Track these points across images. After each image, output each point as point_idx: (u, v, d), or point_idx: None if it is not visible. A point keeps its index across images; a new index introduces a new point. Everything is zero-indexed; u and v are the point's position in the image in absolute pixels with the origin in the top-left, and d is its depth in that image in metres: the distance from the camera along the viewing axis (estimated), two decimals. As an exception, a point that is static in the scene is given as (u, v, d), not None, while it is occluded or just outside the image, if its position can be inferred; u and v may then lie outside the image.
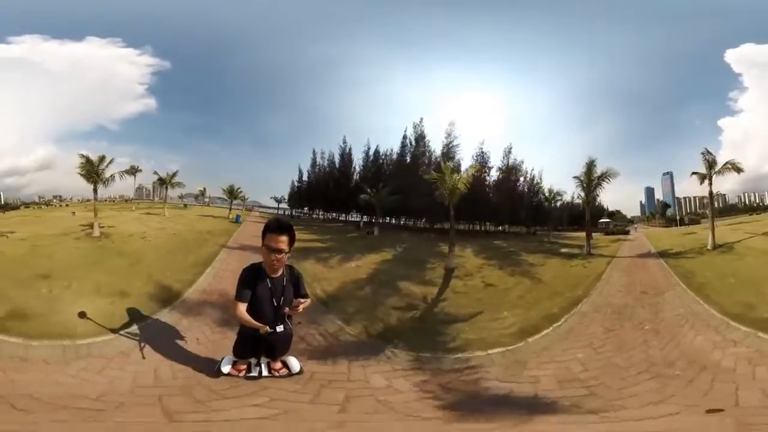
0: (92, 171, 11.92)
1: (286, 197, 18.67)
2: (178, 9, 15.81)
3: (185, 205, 19.52)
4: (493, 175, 17.77)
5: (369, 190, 13.01)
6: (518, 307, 7.67)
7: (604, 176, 14.25)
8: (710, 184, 13.25)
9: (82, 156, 11.98)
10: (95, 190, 12.19)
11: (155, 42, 16.03)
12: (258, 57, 18.59)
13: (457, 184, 11.08)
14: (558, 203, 20.35)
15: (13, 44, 15.17)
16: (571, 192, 20.35)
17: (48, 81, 16.20)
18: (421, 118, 17.06)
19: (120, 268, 8.10)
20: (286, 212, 19.16)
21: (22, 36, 15.22)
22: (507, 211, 17.53)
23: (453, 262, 10.97)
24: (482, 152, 17.10)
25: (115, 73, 16.73)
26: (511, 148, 18.05)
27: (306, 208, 18.73)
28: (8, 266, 7.60)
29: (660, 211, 26.15)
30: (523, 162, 18.31)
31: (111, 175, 12.41)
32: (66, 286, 6.63)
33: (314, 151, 17.20)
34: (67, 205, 19.37)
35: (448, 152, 15.53)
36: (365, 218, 15.65)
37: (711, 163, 13.20)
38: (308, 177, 17.57)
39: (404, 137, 16.02)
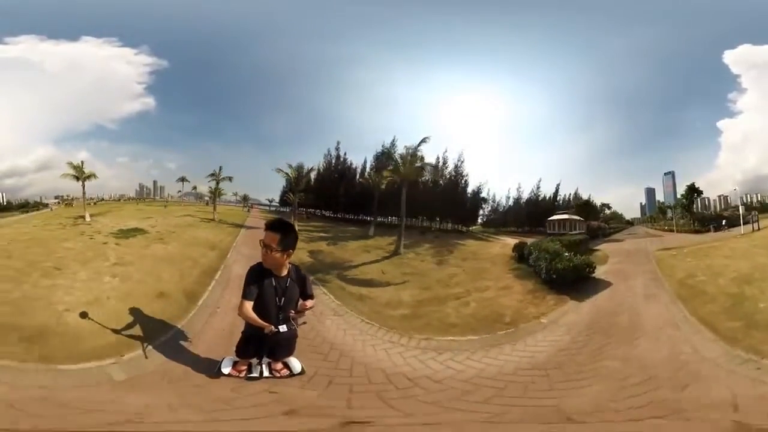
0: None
1: (276, 199, 22.55)
2: (173, 8, 15.53)
3: (206, 203, 21.11)
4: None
5: (292, 194, 17.54)
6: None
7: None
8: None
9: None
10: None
11: (152, 41, 15.80)
12: (258, 56, 18.35)
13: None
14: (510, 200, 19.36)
15: (11, 45, 15.05)
16: (546, 191, 19.31)
17: (46, 81, 15.99)
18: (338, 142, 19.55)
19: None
20: (279, 209, 22.35)
21: (20, 36, 15.10)
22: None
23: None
24: (383, 150, 17.87)
25: (112, 72, 16.46)
26: (395, 140, 16.91)
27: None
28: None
29: (685, 205, 16.91)
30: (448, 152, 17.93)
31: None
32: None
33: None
34: (95, 204, 19.94)
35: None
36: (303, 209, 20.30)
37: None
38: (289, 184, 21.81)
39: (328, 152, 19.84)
